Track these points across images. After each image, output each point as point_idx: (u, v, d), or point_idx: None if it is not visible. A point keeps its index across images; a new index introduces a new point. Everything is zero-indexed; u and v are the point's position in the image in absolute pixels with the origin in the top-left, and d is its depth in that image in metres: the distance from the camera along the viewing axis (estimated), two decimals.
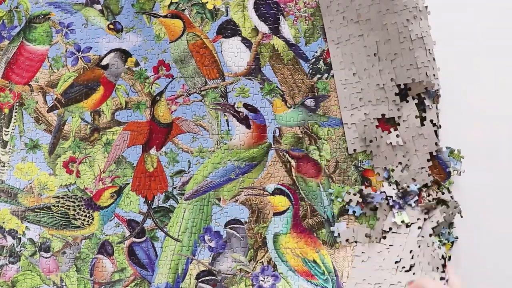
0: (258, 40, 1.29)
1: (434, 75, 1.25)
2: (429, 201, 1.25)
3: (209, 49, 1.29)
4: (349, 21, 1.27)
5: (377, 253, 1.25)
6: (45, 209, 1.28)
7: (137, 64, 1.30)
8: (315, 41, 1.29)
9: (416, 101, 1.26)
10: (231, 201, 1.28)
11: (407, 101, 1.26)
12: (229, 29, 1.29)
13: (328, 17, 1.28)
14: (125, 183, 1.29)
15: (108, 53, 1.30)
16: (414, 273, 1.21)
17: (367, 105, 1.27)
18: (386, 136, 1.27)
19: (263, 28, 1.29)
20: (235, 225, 1.28)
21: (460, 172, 1.27)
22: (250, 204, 1.28)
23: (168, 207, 1.28)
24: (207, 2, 1.29)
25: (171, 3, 1.29)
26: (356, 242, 1.26)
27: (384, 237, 1.25)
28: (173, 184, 1.29)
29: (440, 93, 1.27)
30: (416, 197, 1.25)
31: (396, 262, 1.23)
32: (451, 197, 1.26)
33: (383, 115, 1.27)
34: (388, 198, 1.25)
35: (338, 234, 1.27)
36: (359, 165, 1.28)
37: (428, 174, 1.25)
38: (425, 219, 1.25)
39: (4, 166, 1.29)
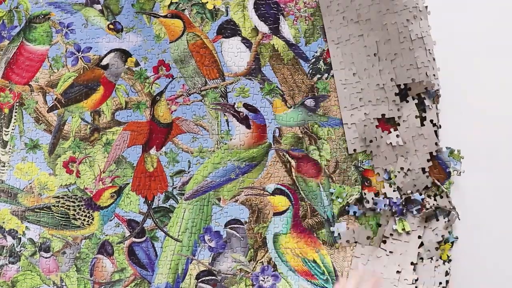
0: (258, 40, 1.29)
1: (434, 75, 1.25)
2: (427, 209, 1.25)
3: (209, 49, 1.29)
4: (349, 21, 1.27)
5: (377, 258, 1.25)
6: (45, 209, 1.28)
7: (137, 64, 1.29)
8: (315, 41, 1.29)
9: (416, 101, 1.26)
10: (231, 201, 1.28)
11: (407, 101, 1.26)
12: (229, 29, 1.29)
13: (328, 17, 1.28)
14: (125, 183, 1.29)
15: (108, 53, 1.29)
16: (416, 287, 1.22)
17: (367, 105, 1.27)
18: (386, 136, 1.27)
19: (263, 28, 1.29)
20: (235, 225, 1.28)
21: (460, 172, 1.27)
22: (250, 204, 1.28)
23: (168, 207, 1.28)
24: (207, 2, 1.29)
25: (171, 3, 1.29)
26: (356, 242, 1.27)
27: (384, 242, 1.25)
28: (173, 184, 1.29)
29: (440, 93, 1.27)
30: (419, 206, 1.25)
31: (397, 272, 1.23)
32: (449, 201, 1.26)
33: (383, 115, 1.27)
34: (392, 204, 1.25)
35: (338, 234, 1.27)
36: (359, 165, 1.28)
37: (427, 176, 1.25)
38: (425, 227, 1.25)
39: (4, 166, 1.29)
